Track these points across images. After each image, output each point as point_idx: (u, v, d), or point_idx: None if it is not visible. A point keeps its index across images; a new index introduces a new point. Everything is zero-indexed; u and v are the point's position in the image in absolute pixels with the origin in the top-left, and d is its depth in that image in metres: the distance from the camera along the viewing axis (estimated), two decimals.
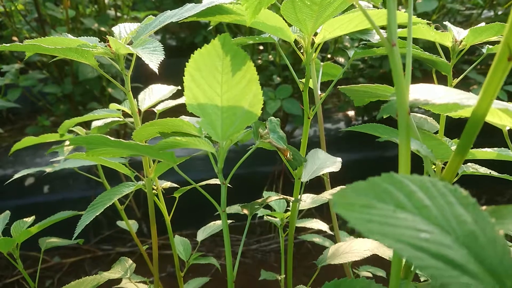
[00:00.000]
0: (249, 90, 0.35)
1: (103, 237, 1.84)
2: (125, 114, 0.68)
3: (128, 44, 0.48)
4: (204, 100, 0.35)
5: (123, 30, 0.50)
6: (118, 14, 1.71)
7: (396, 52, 0.28)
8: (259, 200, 0.44)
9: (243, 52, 0.33)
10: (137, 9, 2.15)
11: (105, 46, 0.46)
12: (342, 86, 0.39)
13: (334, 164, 0.65)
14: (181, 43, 2.55)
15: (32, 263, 1.62)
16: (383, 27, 0.52)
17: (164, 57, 0.40)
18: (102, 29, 1.48)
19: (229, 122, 0.36)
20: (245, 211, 0.40)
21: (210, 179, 0.69)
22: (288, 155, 0.41)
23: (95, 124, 0.72)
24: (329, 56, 1.64)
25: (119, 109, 0.65)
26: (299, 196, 0.53)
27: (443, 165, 0.32)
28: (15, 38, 1.51)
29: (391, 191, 0.23)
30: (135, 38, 0.46)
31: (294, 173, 0.59)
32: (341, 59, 1.47)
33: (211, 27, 0.58)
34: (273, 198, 0.44)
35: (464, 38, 0.57)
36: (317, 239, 0.89)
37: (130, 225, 0.77)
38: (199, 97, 0.35)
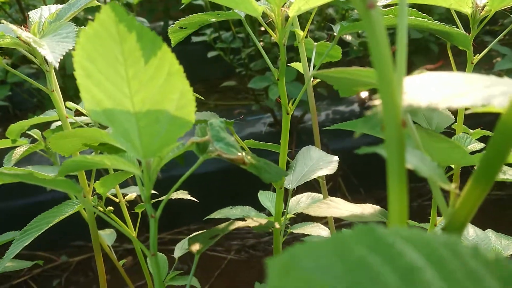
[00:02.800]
0: (173, 87, 0.24)
1: None
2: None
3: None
4: (109, 104, 0.24)
5: (46, 13, 0.39)
6: None
7: (377, 18, 0.16)
8: (220, 226, 0.34)
9: (151, 31, 0.22)
10: None
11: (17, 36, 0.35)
12: (319, 71, 0.28)
13: (329, 164, 0.54)
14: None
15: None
16: None
17: (73, 46, 0.29)
18: (90, 17, 1.38)
19: (150, 133, 0.25)
20: (194, 248, 0.30)
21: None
22: (245, 162, 0.30)
23: (53, 126, 0.62)
24: None
25: (71, 109, 0.55)
26: (283, 216, 0.42)
27: (458, 191, 0.21)
28: None
29: (373, 266, 0.12)
30: (53, 23, 0.36)
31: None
32: (349, 37, 1.32)
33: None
34: (240, 223, 0.33)
35: (487, 2, 0.44)
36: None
37: (102, 237, 0.68)
38: (101, 100, 0.24)
